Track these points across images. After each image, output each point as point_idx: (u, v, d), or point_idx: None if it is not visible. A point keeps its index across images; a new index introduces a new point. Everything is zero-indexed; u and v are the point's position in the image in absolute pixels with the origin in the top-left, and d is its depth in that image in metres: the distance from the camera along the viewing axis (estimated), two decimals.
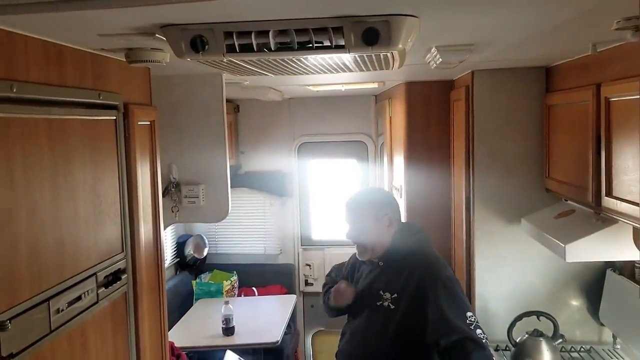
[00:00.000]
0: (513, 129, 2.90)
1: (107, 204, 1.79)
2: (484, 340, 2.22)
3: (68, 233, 1.55)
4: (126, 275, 1.89)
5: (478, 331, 2.22)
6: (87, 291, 1.64)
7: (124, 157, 1.90)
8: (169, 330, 3.90)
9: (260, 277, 5.09)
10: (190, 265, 5.01)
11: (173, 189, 2.60)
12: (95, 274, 1.69)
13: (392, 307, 2.35)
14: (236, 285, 4.96)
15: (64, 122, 1.56)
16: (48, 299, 1.43)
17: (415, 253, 2.41)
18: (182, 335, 3.85)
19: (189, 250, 4.98)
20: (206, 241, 5.12)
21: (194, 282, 4.83)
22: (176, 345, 3.39)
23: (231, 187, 5.07)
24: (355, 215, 2.43)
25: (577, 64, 2.46)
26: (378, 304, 2.38)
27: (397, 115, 3.87)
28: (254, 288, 4.98)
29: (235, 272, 5.05)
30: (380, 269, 2.43)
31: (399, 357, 2.37)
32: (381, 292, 2.38)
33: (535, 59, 2.67)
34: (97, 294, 1.70)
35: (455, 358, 2.23)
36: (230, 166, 4.81)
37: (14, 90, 1.33)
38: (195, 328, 4.01)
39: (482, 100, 2.92)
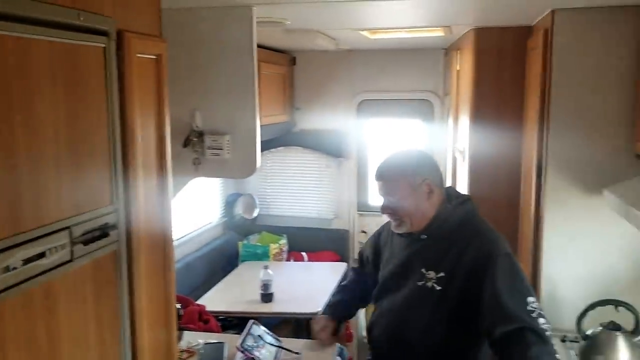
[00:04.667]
0: (600, 82, 2.41)
1: (89, 148, 1.51)
2: (547, 333, 1.88)
3: (26, 176, 1.29)
4: (117, 231, 1.63)
5: (541, 320, 1.89)
6: (56, 247, 1.38)
7: (117, 94, 1.62)
8: (207, 292, 3.74)
9: (311, 242, 4.81)
10: (238, 225, 4.81)
11: (195, 139, 2.32)
12: (69, 227, 1.43)
13: (438, 288, 2.02)
14: (285, 249, 4.71)
15: (24, 41, 1.28)
16: None
17: (467, 225, 2.07)
18: (218, 298, 3.64)
19: (239, 210, 4.77)
20: (257, 201, 4.90)
21: (240, 243, 4.63)
22: (208, 308, 3.18)
23: (284, 145, 4.86)
24: (388, 185, 2.09)
25: None
26: (419, 284, 2.05)
27: (465, 68, 3.41)
28: (303, 253, 4.72)
29: (285, 236, 4.79)
30: (422, 244, 2.08)
31: (444, 346, 2.05)
32: (423, 271, 2.05)
33: None
34: (72, 250, 1.44)
35: (510, 351, 1.90)
36: (283, 123, 4.57)
37: None
38: (234, 292, 3.79)
39: (564, 46, 2.44)
